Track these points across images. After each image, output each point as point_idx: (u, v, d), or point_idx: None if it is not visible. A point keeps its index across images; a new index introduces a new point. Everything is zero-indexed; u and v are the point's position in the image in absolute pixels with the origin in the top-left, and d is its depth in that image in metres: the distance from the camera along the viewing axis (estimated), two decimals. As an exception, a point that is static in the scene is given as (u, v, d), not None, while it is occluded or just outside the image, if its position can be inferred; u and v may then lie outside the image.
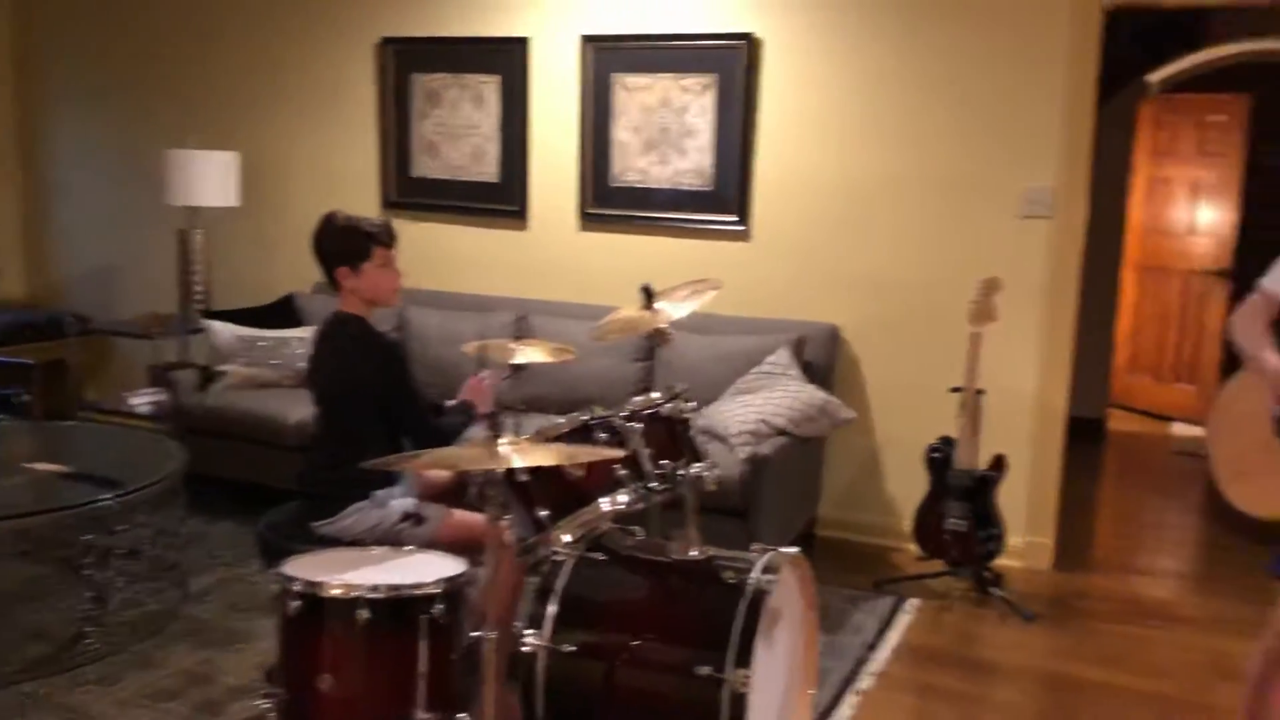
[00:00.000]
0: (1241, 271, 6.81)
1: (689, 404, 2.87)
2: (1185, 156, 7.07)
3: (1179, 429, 7.03)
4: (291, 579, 2.34)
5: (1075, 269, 4.40)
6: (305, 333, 4.88)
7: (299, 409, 4.42)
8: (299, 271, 5.22)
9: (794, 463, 4.24)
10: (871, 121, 4.58)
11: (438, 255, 5.35)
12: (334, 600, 2.32)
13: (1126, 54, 6.05)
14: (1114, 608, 4.23)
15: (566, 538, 2.62)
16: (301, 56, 5.59)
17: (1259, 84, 6.69)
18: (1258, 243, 6.80)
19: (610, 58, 4.95)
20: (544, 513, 2.65)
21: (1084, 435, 6.14)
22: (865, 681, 3.48)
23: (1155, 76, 6.73)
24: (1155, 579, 4.68)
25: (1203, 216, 7.01)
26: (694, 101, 4.82)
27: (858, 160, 4.62)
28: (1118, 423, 7.11)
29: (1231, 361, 7.52)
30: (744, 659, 2.39)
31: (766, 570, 2.54)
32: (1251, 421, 2.65)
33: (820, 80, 4.63)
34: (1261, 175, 6.82)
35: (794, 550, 2.70)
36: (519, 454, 2.25)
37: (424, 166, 5.42)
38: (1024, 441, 4.46)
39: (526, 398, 4.12)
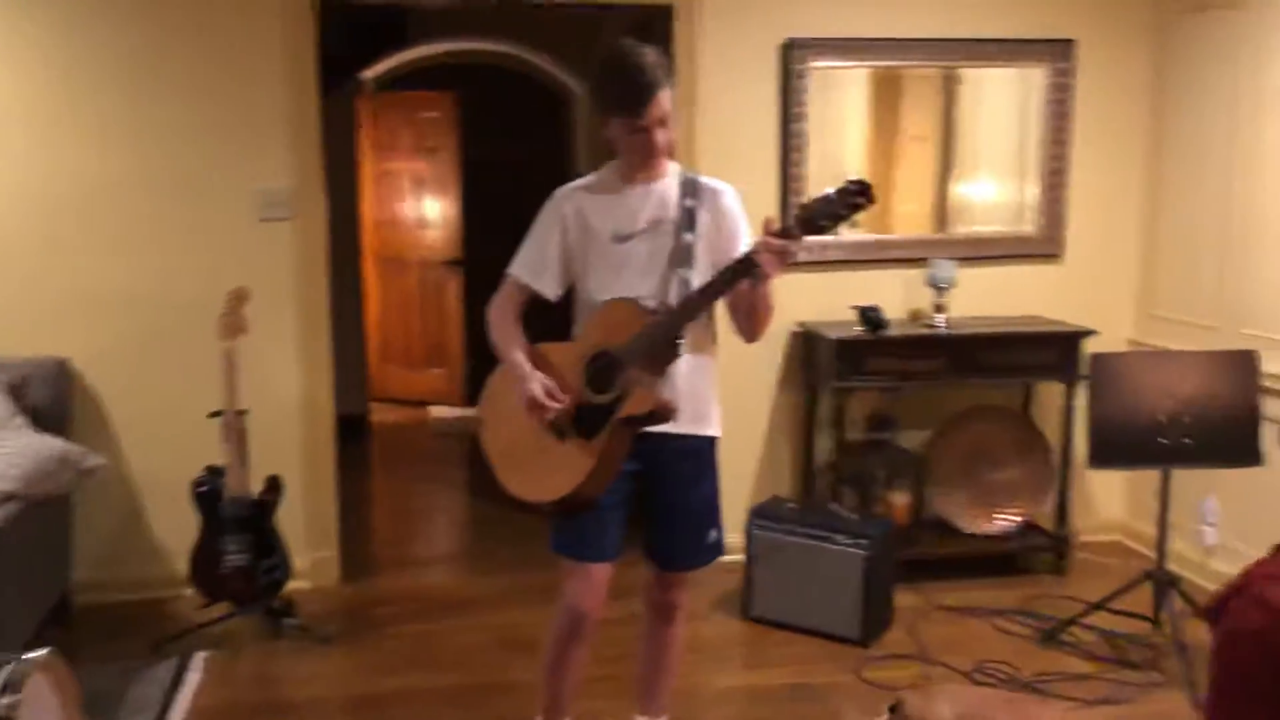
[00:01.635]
0: (471, 260, 7.30)
1: None
2: (406, 151, 7.36)
3: (436, 412, 7.36)
4: None
5: (323, 268, 4.27)
6: None
7: None
8: None
9: (32, 529, 3.51)
10: (77, 117, 3.96)
11: None
12: None
13: (342, 50, 6.06)
14: (406, 608, 4.21)
15: None
16: None
17: (464, 82, 7.18)
18: (481, 232, 7.35)
19: None
20: None
21: (349, 433, 6.11)
22: (156, 768, 3.01)
23: (370, 73, 6.88)
24: (439, 567, 4.78)
25: (430, 209, 7.38)
26: None
27: (68, 162, 3.98)
28: (379, 415, 7.22)
29: (475, 344, 7.95)
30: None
31: (6, 690, 2.00)
32: (516, 410, 2.70)
33: (8, 69, 3.90)
34: (475, 168, 7.34)
35: (43, 653, 2.17)
36: None
37: None
38: (296, 455, 4.24)
39: None
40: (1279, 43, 3.92)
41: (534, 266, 2.73)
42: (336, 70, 6.11)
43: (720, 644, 3.86)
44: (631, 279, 2.64)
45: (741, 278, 2.51)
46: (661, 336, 2.56)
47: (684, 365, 2.64)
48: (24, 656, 2.14)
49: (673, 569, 2.84)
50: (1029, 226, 4.64)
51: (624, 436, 2.61)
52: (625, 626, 3.23)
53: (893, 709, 2.68)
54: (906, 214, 4.60)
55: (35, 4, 3.90)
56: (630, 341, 2.56)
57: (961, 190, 4.64)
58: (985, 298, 4.54)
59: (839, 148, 4.48)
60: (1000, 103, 4.61)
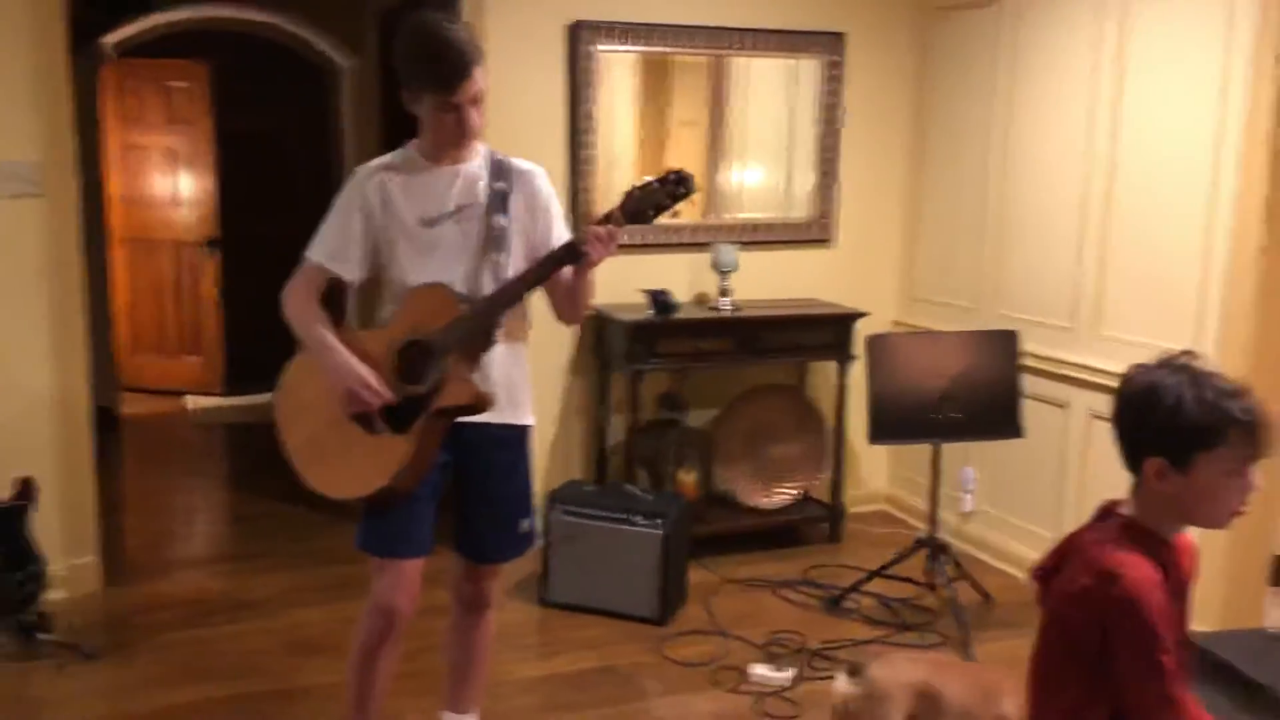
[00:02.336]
0: (228, 239, 6.88)
1: None
2: (155, 124, 6.86)
3: (193, 402, 6.90)
4: None
5: (75, 249, 3.92)
6: None
7: None
8: None
9: None
10: None
11: None
12: None
13: (81, 12, 5.55)
14: (178, 614, 3.91)
15: None
16: None
17: (217, 51, 6.73)
18: (239, 209, 6.95)
19: None
20: None
21: (99, 427, 5.63)
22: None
23: (112, 39, 6.34)
24: (211, 568, 4.48)
25: (184, 186, 6.90)
26: None
27: None
28: (131, 406, 6.70)
29: (234, 329, 7.53)
30: None
31: None
32: (319, 401, 2.56)
33: None
34: (232, 143, 6.91)
35: None
36: None
37: None
38: (48, 453, 3.87)
39: None
40: (1034, 40, 4.23)
41: (334, 250, 2.58)
42: (75, 34, 5.60)
43: (520, 631, 3.82)
44: (442, 264, 2.55)
45: (565, 264, 2.49)
46: (479, 325, 2.49)
47: (499, 353, 2.57)
48: None
49: (485, 561, 2.78)
50: (802, 213, 4.82)
51: (438, 428, 2.52)
52: (428, 619, 3.14)
53: (851, 675, 2.69)
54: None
55: None
56: (445, 329, 2.47)
57: (736, 177, 4.76)
58: (765, 281, 4.68)
59: (622, 132, 4.48)
60: (775, 92, 4.74)
